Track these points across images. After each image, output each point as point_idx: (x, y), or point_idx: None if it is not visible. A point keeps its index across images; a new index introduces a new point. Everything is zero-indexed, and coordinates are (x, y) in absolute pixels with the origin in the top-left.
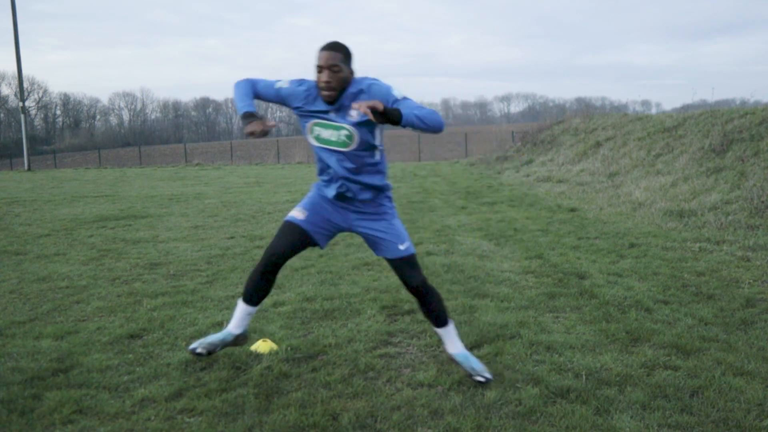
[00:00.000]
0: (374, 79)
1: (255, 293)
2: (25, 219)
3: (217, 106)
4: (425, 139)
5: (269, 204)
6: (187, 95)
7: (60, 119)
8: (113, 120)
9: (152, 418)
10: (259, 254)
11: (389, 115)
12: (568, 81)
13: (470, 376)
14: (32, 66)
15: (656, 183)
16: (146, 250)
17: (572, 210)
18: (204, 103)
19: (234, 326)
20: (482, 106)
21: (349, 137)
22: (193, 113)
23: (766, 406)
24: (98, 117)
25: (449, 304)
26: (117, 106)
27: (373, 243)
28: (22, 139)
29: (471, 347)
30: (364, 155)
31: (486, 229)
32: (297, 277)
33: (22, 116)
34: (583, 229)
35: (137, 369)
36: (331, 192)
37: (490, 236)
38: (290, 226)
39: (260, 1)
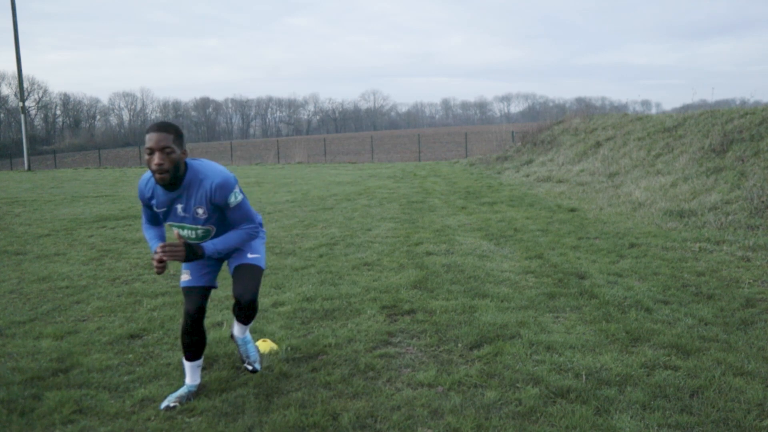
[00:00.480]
0: (208, 168)
1: (194, 349)
2: (25, 219)
3: (217, 106)
4: (425, 139)
5: (269, 204)
6: (187, 95)
7: (60, 119)
8: (113, 120)
9: (152, 418)
10: None
11: (195, 253)
12: (568, 81)
13: (242, 361)
14: (32, 66)
15: (656, 183)
16: (146, 250)
17: (572, 210)
18: (204, 103)
19: (191, 379)
20: (482, 106)
21: (207, 232)
22: (193, 113)
23: (766, 406)
24: (98, 117)
25: (449, 304)
26: (117, 106)
27: (230, 260)
28: (22, 139)
29: (471, 347)
30: (227, 228)
31: (486, 229)
32: (297, 277)
33: (22, 116)
34: (583, 229)
35: (137, 369)
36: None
37: (490, 236)
38: (187, 290)
39: (259, 2)
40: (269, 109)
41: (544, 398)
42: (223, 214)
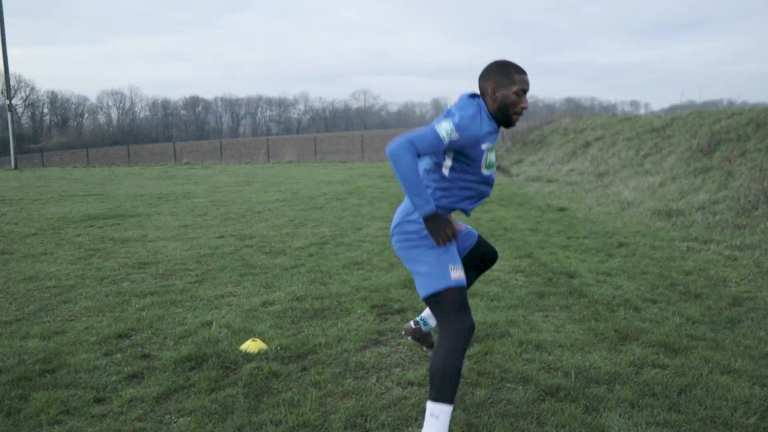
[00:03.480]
0: None
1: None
2: (12, 218)
3: (207, 105)
4: None
5: (259, 203)
6: (176, 93)
7: (47, 117)
8: (101, 118)
9: (141, 418)
10: (248, 253)
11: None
12: (557, 81)
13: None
14: (18, 63)
15: (645, 183)
16: (135, 249)
17: (562, 209)
18: (193, 102)
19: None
20: None
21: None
22: (182, 111)
23: (752, 403)
24: (86, 115)
25: None
26: (105, 104)
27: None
28: (8, 137)
29: None
30: None
31: (476, 229)
32: (287, 276)
33: (9, 114)
34: (573, 229)
35: (125, 369)
36: (469, 207)
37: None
38: (463, 291)
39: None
40: (259, 108)
41: (533, 397)
42: None
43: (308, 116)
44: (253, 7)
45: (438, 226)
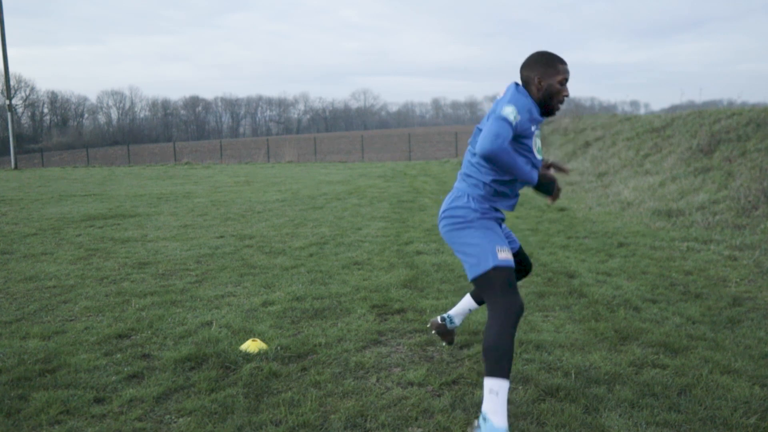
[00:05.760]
0: None
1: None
2: (12, 218)
3: (207, 105)
4: (415, 139)
5: (259, 203)
6: (176, 93)
7: (47, 117)
8: (101, 118)
9: (141, 418)
10: (248, 253)
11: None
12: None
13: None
14: (18, 63)
15: (645, 183)
16: (135, 249)
17: (562, 209)
18: (193, 102)
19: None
20: (472, 105)
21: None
22: (182, 112)
23: (752, 403)
24: (86, 115)
25: (439, 304)
26: (105, 105)
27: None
28: (8, 137)
29: (461, 347)
30: None
31: None
32: (287, 276)
33: (9, 114)
34: (573, 229)
35: (125, 369)
36: (510, 206)
37: None
38: (510, 271)
39: None
40: (259, 108)
41: (533, 397)
42: None
43: (308, 116)
44: (252, 7)
45: (548, 185)
